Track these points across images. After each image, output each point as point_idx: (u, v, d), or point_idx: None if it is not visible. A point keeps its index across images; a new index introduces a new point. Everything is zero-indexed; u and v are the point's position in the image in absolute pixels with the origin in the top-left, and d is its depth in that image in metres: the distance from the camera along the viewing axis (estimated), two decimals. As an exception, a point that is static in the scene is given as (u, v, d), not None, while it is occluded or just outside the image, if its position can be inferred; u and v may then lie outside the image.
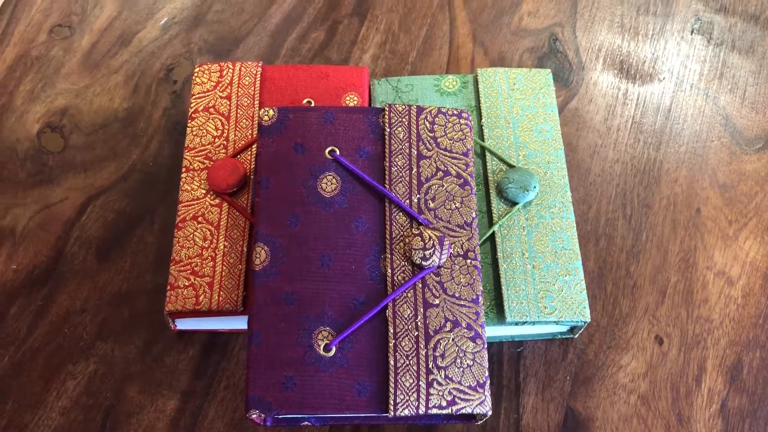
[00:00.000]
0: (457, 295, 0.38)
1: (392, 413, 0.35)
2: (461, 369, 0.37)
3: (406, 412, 0.35)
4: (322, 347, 0.37)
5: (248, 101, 0.48)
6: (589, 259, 0.48)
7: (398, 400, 0.35)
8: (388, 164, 0.41)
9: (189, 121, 0.47)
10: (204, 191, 0.45)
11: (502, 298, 0.41)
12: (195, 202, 0.45)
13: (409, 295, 0.38)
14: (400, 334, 0.37)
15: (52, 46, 0.56)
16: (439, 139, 0.42)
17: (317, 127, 0.42)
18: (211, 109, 0.48)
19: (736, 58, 0.57)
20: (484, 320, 0.38)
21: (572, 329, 0.44)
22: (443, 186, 0.41)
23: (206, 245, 0.43)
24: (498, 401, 0.44)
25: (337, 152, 0.41)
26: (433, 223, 0.40)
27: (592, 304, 0.46)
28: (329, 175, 0.40)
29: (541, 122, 0.48)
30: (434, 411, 0.35)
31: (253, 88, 0.49)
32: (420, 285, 0.38)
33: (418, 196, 0.40)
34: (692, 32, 0.58)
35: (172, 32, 0.57)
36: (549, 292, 0.42)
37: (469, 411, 0.36)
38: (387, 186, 0.40)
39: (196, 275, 0.42)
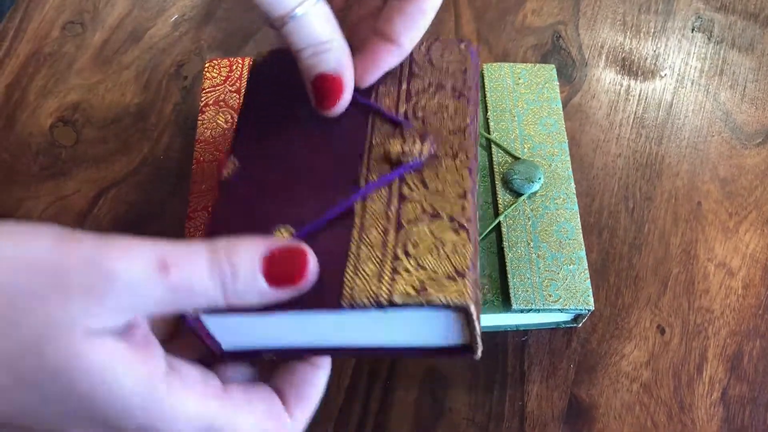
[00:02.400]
0: (440, 189, 0.34)
1: (347, 302, 0.30)
2: (437, 258, 0.31)
3: (365, 300, 0.30)
4: None
5: (258, 95, 0.49)
6: (592, 250, 0.49)
7: (356, 287, 0.31)
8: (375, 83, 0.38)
9: (199, 114, 0.48)
10: (215, 183, 0.46)
11: (508, 286, 0.42)
12: (206, 193, 0.46)
13: (382, 192, 0.34)
14: (367, 227, 0.33)
15: (64, 42, 0.57)
16: (434, 60, 0.39)
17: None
18: (221, 103, 0.49)
19: (736, 56, 0.58)
20: (473, 216, 0.33)
21: (576, 318, 0.45)
22: (435, 99, 0.38)
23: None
24: (503, 389, 0.44)
25: None
26: (420, 128, 0.36)
27: (595, 295, 0.47)
28: None
29: (546, 116, 0.48)
30: (399, 300, 0.30)
31: (262, 82, 0.50)
32: (397, 182, 0.34)
33: (405, 106, 0.37)
34: (693, 30, 0.59)
35: (183, 29, 0.58)
36: (554, 280, 0.43)
37: (442, 301, 0.30)
38: (373, 99, 0.37)
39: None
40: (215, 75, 0.50)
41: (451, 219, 0.33)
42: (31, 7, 0.59)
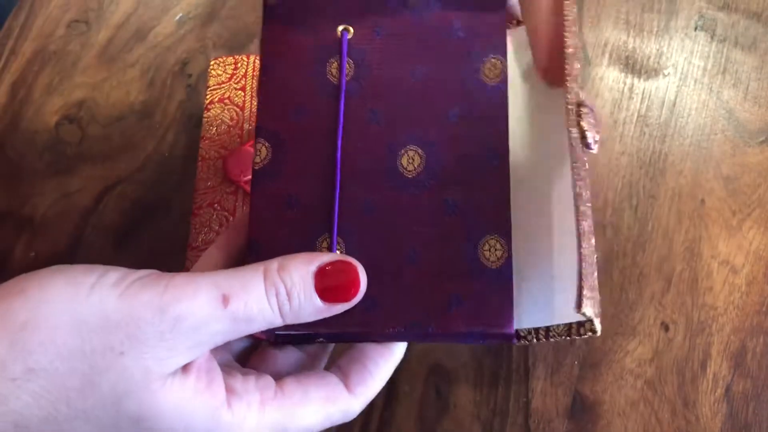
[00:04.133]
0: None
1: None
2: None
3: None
4: None
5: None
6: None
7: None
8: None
9: (205, 112, 0.49)
10: (220, 179, 0.46)
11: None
12: (211, 190, 0.46)
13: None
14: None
15: (69, 40, 0.58)
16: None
17: (327, 2, 0.36)
18: (226, 100, 0.49)
19: (739, 55, 0.58)
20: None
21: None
22: None
23: (223, 230, 0.44)
24: (507, 385, 0.44)
25: (351, 32, 0.35)
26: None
27: (599, 292, 0.47)
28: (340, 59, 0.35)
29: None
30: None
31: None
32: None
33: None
34: (696, 29, 0.59)
35: (187, 27, 0.59)
36: (558, 276, 0.43)
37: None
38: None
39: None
40: (220, 73, 0.50)
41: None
42: (36, 5, 0.59)
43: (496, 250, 0.33)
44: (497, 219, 0.33)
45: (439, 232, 0.33)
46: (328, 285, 0.29)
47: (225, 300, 0.27)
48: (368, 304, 0.31)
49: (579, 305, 0.30)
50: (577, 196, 0.32)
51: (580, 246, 0.31)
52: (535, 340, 0.33)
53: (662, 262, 0.49)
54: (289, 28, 0.36)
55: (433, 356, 0.45)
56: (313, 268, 0.29)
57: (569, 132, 0.32)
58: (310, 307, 0.29)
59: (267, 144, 0.34)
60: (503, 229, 0.33)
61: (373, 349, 0.32)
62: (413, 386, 0.45)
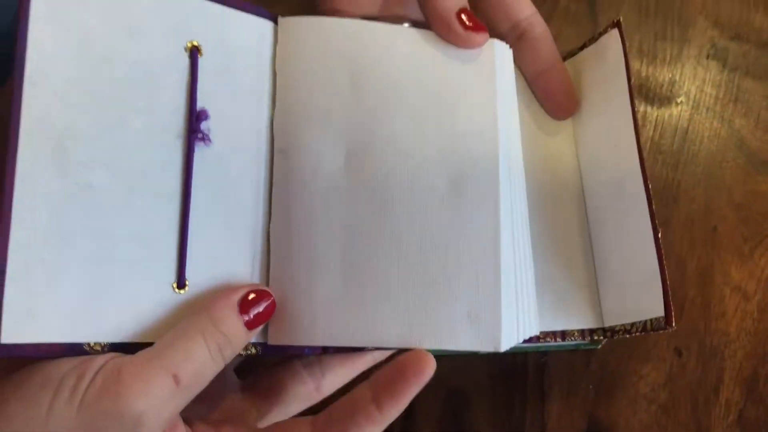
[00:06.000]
0: None
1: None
2: None
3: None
4: None
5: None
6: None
7: None
8: None
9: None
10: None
11: (531, 308, 0.44)
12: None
13: None
14: None
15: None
16: None
17: None
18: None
19: (750, 83, 0.59)
20: None
21: (595, 340, 0.46)
22: None
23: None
24: (523, 408, 0.45)
25: None
26: None
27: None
28: None
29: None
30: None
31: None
32: None
33: None
34: (708, 58, 0.60)
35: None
36: (575, 303, 0.44)
37: None
38: None
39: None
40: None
41: None
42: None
43: None
44: None
45: None
46: (253, 314, 0.32)
47: (176, 379, 0.28)
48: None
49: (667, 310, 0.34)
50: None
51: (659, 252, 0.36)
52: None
53: (675, 288, 0.50)
54: None
55: (451, 379, 0.46)
56: (235, 303, 0.32)
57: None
58: (244, 340, 0.32)
59: None
60: None
61: (404, 367, 0.33)
62: (431, 408, 0.45)
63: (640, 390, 0.46)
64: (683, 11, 0.60)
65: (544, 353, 0.47)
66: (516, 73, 0.43)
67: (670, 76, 0.60)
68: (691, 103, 0.58)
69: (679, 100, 0.58)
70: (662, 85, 0.59)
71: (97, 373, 0.28)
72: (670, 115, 0.57)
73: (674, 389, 0.46)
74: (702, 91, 0.59)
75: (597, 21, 0.61)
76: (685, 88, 0.59)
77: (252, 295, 0.32)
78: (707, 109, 0.58)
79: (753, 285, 0.50)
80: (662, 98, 0.58)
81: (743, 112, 0.58)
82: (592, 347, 0.47)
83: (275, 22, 0.38)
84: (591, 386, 0.46)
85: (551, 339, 0.39)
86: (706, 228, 0.52)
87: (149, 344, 0.30)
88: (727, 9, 0.60)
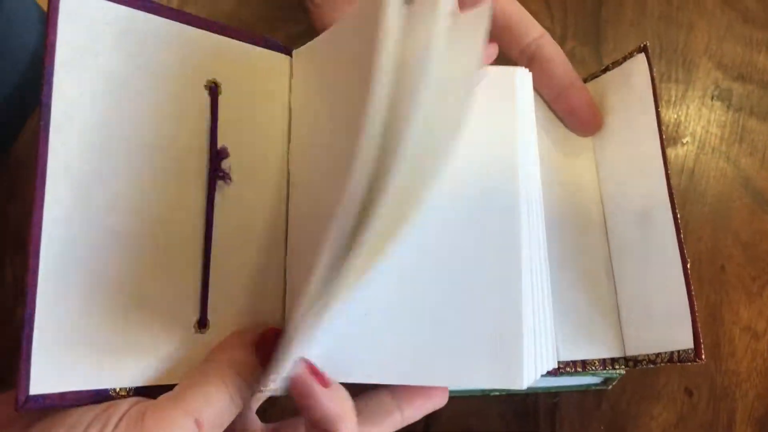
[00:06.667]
0: None
1: None
2: None
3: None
4: None
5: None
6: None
7: None
8: None
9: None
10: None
11: (542, 349, 0.44)
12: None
13: None
14: None
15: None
16: None
17: None
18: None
19: (754, 123, 0.60)
20: None
21: (606, 381, 0.46)
22: None
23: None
24: (535, 449, 0.45)
25: None
26: None
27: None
28: None
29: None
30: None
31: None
32: None
33: None
34: (712, 98, 0.61)
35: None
36: (586, 343, 0.44)
37: None
38: None
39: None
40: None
41: None
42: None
43: None
44: None
45: None
46: (266, 352, 0.32)
47: (199, 425, 0.29)
48: None
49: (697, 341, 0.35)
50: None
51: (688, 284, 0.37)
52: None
53: (685, 328, 0.50)
54: None
55: (463, 420, 0.46)
56: (253, 344, 0.32)
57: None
58: (262, 382, 0.32)
59: None
60: None
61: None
62: (443, 448, 0.45)
63: (651, 430, 0.46)
64: (687, 53, 0.61)
65: (555, 394, 0.47)
66: (535, 96, 0.42)
67: (676, 116, 0.60)
68: (696, 143, 0.59)
69: (684, 141, 0.59)
70: (668, 126, 0.60)
71: (120, 419, 0.28)
72: (677, 156, 0.58)
73: (686, 430, 0.46)
74: (707, 131, 0.60)
75: (602, 64, 0.62)
76: (690, 129, 0.60)
77: (269, 336, 0.32)
78: (713, 149, 0.59)
79: (763, 324, 0.50)
80: (668, 139, 0.59)
81: (748, 152, 0.58)
82: (602, 388, 0.47)
83: (290, 54, 0.39)
84: (602, 427, 0.46)
85: (571, 368, 0.38)
86: (713, 267, 0.52)
87: (172, 386, 0.30)
88: (730, 50, 0.61)
